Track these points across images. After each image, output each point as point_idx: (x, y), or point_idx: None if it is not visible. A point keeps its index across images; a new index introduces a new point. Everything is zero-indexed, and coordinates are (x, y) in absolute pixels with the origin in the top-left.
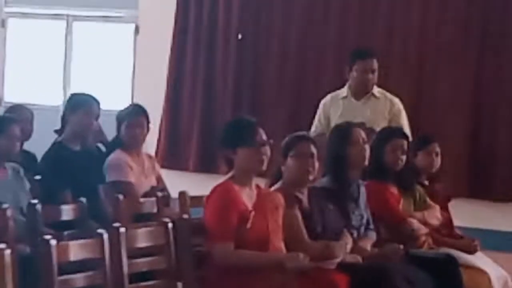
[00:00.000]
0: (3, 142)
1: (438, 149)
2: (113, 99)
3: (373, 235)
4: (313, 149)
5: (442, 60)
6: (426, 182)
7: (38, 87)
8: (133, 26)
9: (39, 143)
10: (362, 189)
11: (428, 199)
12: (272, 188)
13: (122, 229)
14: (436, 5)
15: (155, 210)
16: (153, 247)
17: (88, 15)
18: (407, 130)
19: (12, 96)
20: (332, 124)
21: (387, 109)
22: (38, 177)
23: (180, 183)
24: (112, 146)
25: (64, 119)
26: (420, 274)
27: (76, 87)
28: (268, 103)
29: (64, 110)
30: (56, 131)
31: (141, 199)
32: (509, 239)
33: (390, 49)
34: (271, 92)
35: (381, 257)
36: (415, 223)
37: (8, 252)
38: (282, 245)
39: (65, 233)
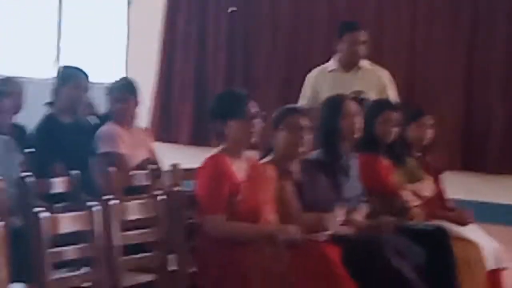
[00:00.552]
0: None
1: (430, 122)
2: (107, 72)
3: (365, 207)
4: (304, 122)
5: (435, 33)
6: (418, 154)
7: (30, 60)
8: None
9: (31, 117)
10: (354, 162)
11: (420, 171)
12: (263, 161)
13: (113, 202)
14: None
15: (147, 182)
16: (144, 220)
17: None
18: (396, 101)
19: (3, 69)
20: (321, 98)
21: (376, 81)
22: (29, 150)
23: (173, 155)
24: (104, 118)
25: (54, 92)
26: (411, 246)
27: (68, 60)
28: (260, 76)
29: (54, 83)
30: (47, 104)
31: (133, 172)
32: (502, 211)
33: (382, 23)
34: (263, 65)
35: (373, 229)
36: (407, 195)
37: (1, 224)
38: (274, 217)
39: (57, 205)
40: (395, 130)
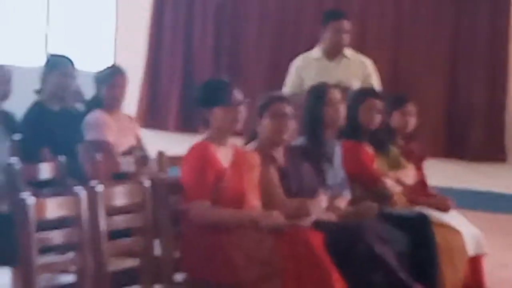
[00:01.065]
0: None
1: (413, 109)
2: (95, 60)
3: (347, 194)
4: (288, 109)
5: (419, 22)
6: (401, 142)
7: (18, 48)
8: None
9: (20, 104)
10: (337, 149)
11: (402, 159)
12: (248, 147)
13: (99, 187)
14: None
15: (133, 169)
16: (130, 205)
17: None
18: (378, 89)
19: None
20: (306, 85)
21: (360, 70)
22: (17, 136)
23: (161, 142)
24: (91, 106)
25: (42, 80)
26: (393, 232)
27: (57, 49)
28: (247, 63)
29: (42, 71)
30: (36, 92)
31: (120, 158)
32: (483, 198)
33: (367, 12)
34: (250, 52)
35: (356, 215)
36: (389, 182)
37: None
38: (258, 203)
39: (44, 191)
40: (378, 118)
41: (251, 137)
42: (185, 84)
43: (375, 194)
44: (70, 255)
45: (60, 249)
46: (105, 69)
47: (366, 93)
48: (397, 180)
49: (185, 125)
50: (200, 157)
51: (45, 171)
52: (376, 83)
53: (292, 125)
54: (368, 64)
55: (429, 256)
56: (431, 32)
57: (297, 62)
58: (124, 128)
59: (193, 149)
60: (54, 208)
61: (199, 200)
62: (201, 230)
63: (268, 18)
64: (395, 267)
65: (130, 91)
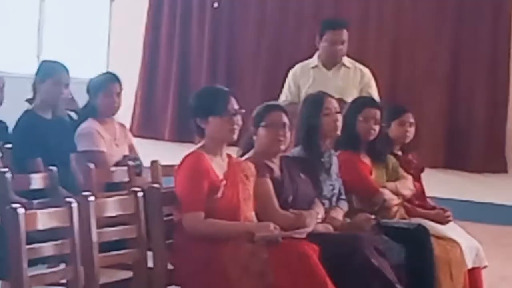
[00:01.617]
0: None
1: (411, 119)
2: (88, 68)
3: (344, 205)
4: (285, 119)
5: (419, 31)
6: (399, 152)
7: (11, 55)
8: None
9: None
10: (334, 159)
11: (400, 170)
12: (244, 158)
13: (91, 198)
14: None
15: (126, 179)
16: (123, 216)
17: None
18: (377, 99)
19: None
20: (303, 94)
21: (358, 79)
22: (9, 145)
23: (156, 152)
24: (83, 114)
25: (34, 88)
26: (391, 244)
27: (50, 55)
28: (244, 72)
29: (34, 79)
30: (27, 100)
31: (113, 168)
32: (484, 210)
33: (366, 20)
34: (247, 61)
35: (353, 227)
36: (387, 193)
37: None
38: (253, 215)
39: (36, 201)
40: (376, 128)
41: (246, 147)
42: (181, 93)
43: (372, 205)
44: (61, 266)
45: (51, 260)
46: (99, 76)
47: (364, 102)
48: (395, 191)
49: (181, 135)
50: (194, 168)
51: (37, 181)
52: (374, 92)
53: (288, 135)
54: (367, 73)
55: (427, 268)
56: (432, 42)
57: (295, 71)
58: (117, 138)
59: (187, 159)
60: (45, 219)
61: (193, 211)
62: (195, 241)
63: (265, 26)
64: (392, 279)
65: (124, 99)
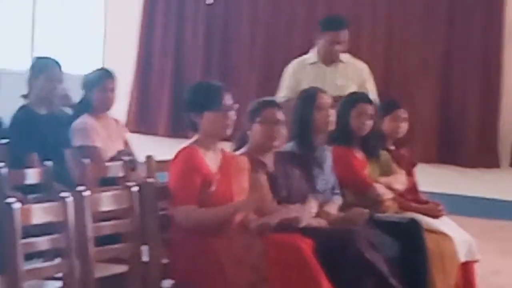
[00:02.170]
0: None
1: (404, 115)
2: (83, 64)
3: (338, 200)
4: (280, 115)
5: (412, 27)
6: (392, 148)
7: (4, 51)
8: None
9: (6, 109)
10: (328, 154)
11: (393, 164)
12: (238, 153)
13: (86, 193)
14: None
15: (121, 174)
16: (118, 211)
17: None
18: (374, 95)
19: None
20: (301, 89)
21: (356, 74)
22: (4, 141)
23: (151, 147)
24: (78, 110)
25: (29, 84)
26: (384, 239)
27: (44, 51)
28: (238, 68)
29: (28, 75)
30: (23, 96)
31: (107, 163)
32: (476, 204)
33: (359, 16)
34: (241, 57)
35: (346, 221)
36: (380, 188)
37: None
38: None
39: (31, 196)
40: (369, 123)
41: (240, 142)
42: (176, 89)
43: (366, 200)
44: (57, 261)
45: (46, 255)
46: (94, 72)
47: (357, 98)
48: (388, 186)
49: (176, 130)
50: (186, 162)
51: (32, 176)
52: (372, 88)
53: (283, 131)
54: (364, 69)
55: (420, 262)
56: (424, 37)
57: (292, 66)
58: (112, 133)
59: (179, 154)
60: (40, 213)
61: (185, 205)
62: (190, 235)
63: (259, 22)
64: (386, 273)
65: (119, 95)
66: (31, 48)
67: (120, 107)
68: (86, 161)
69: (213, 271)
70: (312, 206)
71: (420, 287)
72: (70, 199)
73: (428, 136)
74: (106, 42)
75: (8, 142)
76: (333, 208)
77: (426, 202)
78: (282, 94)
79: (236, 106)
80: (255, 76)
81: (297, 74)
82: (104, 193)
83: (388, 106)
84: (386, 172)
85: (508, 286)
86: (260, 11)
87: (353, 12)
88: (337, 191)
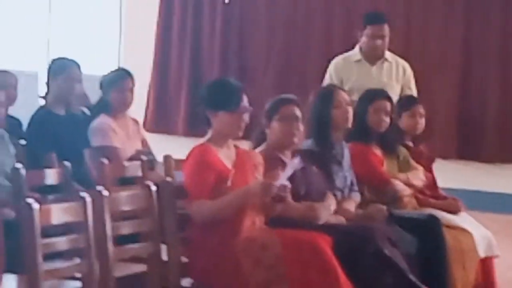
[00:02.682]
0: None
1: (422, 111)
2: (100, 64)
3: (356, 197)
4: (298, 112)
5: (430, 21)
6: (410, 144)
7: (21, 53)
8: None
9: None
10: (346, 151)
11: (411, 161)
12: (256, 151)
13: (105, 192)
14: None
15: (139, 173)
16: (136, 210)
17: None
18: (415, 93)
19: None
20: (346, 86)
21: (400, 73)
22: (23, 142)
23: (169, 147)
24: (96, 110)
25: (47, 85)
26: (403, 235)
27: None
28: (255, 67)
29: (46, 76)
30: (42, 97)
31: (126, 163)
32: (496, 200)
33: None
34: (258, 56)
35: (365, 218)
36: (398, 184)
37: None
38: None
39: (50, 197)
40: (387, 120)
41: (258, 140)
42: (193, 88)
43: (384, 197)
44: (76, 261)
45: (66, 255)
46: (112, 73)
47: (374, 94)
48: (407, 182)
49: (194, 129)
50: (199, 159)
51: (51, 176)
52: (414, 88)
53: (301, 128)
54: (407, 68)
55: (439, 258)
56: (443, 33)
57: (337, 63)
58: (130, 133)
59: (193, 152)
60: (59, 213)
61: (198, 199)
62: (208, 234)
63: (277, 21)
64: (405, 269)
65: (137, 94)
66: (47, 50)
67: (138, 107)
68: (105, 161)
69: (230, 270)
70: (331, 203)
71: (439, 283)
72: (89, 199)
73: (447, 132)
74: (122, 42)
75: (26, 143)
76: (351, 205)
77: (445, 198)
78: None
79: (251, 109)
80: (272, 75)
81: (342, 70)
82: (122, 193)
83: (406, 102)
84: (405, 168)
85: None
86: (278, 10)
87: (372, 9)
88: (356, 188)
